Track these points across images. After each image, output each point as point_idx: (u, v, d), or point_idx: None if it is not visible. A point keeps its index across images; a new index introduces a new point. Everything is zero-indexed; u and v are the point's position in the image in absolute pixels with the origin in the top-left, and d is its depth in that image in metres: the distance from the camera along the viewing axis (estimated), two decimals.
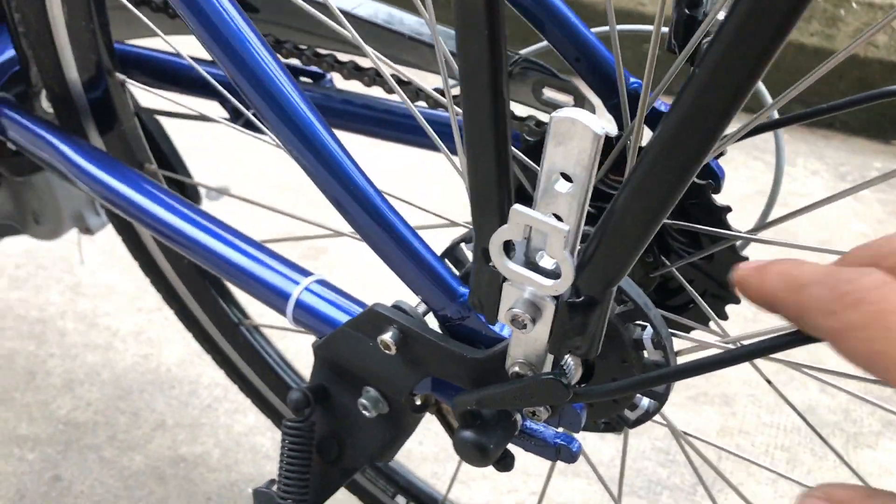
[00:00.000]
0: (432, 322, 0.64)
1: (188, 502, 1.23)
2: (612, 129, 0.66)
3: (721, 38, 0.36)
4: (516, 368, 0.55)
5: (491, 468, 0.64)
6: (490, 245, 0.47)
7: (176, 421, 1.35)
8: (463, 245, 0.68)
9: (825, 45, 2.36)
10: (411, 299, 0.63)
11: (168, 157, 1.10)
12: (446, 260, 0.67)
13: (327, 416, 0.73)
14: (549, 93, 0.80)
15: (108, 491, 1.24)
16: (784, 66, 2.35)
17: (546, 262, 0.48)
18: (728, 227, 0.67)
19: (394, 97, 0.85)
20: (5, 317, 1.51)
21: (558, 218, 0.45)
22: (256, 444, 1.32)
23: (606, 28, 0.65)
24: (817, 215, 1.86)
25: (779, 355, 0.68)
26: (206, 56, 0.71)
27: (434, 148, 0.71)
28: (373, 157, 1.38)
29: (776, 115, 0.73)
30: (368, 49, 0.65)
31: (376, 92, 0.91)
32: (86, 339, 1.48)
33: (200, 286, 1.05)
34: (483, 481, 1.29)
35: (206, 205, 1.08)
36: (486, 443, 0.60)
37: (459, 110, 0.45)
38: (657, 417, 0.76)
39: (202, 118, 0.91)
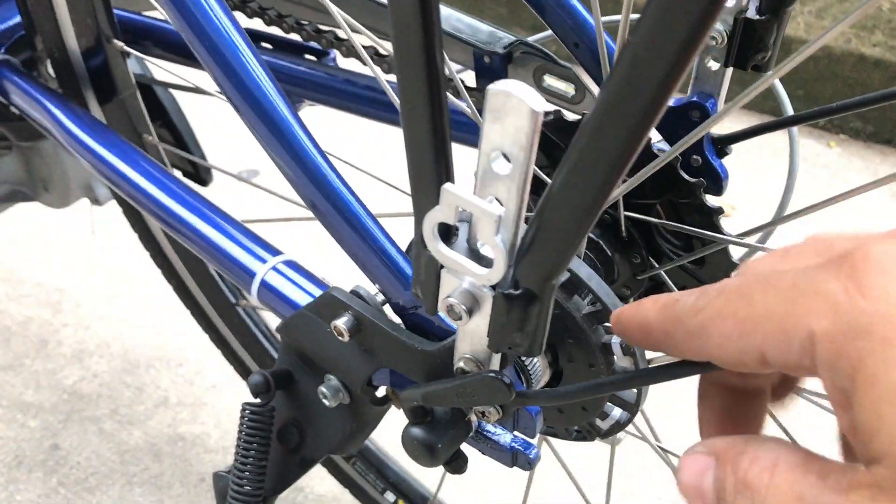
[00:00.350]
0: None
1: (182, 481, 1.22)
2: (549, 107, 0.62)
3: (655, 3, 0.31)
4: (461, 364, 0.51)
5: (489, 470, 0.60)
6: (423, 227, 0.43)
7: (179, 399, 1.35)
8: None
9: (888, 58, 2.25)
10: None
11: (181, 134, 1.09)
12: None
13: (290, 402, 0.70)
14: (550, 80, 0.76)
15: (103, 464, 1.24)
16: (842, 75, 2.26)
17: (487, 251, 0.44)
18: (720, 230, 0.62)
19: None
20: (24, 283, 1.53)
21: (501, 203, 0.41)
22: None
23: (618, 17, 0.60)
24: (823, 218, 1.77)
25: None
26: None
27: None
28: (379, 139, 1.35)
29: (791, 113, 0.68)
30: (355, 25, 0.62)
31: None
32: (101, 311, 1.49)
33: (199, 263, 1.03)
34: (474, 482, 1.25)
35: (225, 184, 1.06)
36: (434, 442, 0.56)
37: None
38: (634, 430, 0.71)
39: (197, 90, 0.89)
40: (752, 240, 0.62)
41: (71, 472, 1.22)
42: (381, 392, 0.66)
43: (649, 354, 0.58)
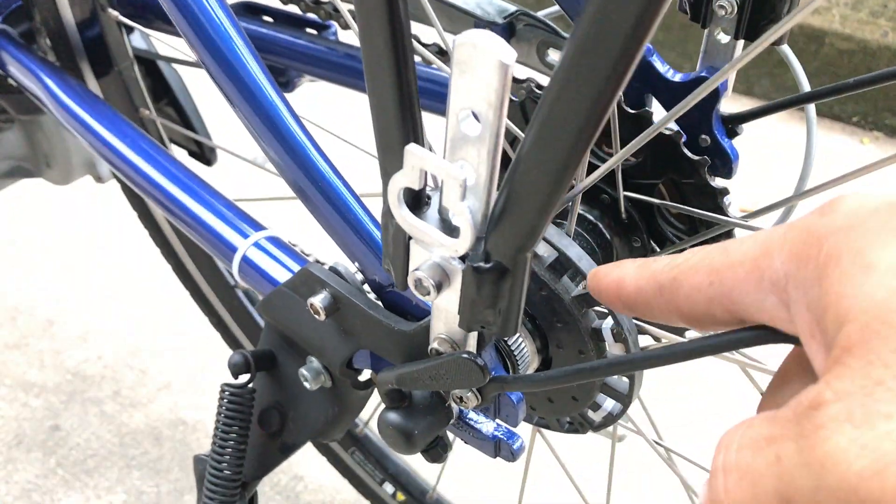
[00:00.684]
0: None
1: (181, 465, 1.20)
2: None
3: None
4: (436, 345, 0.48)
5: (489, 461, 0.57)
6: (388, 192, 0.40)
7: (182, 383, 1.33)
8: None
9: None
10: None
11: (186, 112, 1.07)
12: None
13: (272, 384, 0.67)
14: (554, 55, 0.72)
15: (103, 446, 1.22)
16: (877, 70, 2.18)
17: (457, 220, 0.41)
18: (724, 212, 0.58)
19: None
20: (33, 261, 1.52)
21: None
22: None
23: None
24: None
25: (738, 353, 0.60)
26: None
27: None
28: None
29: (808, 89, 0.64)
30: None
31: None
32: (110, 292, 1.47)
33: (197, 244, 1.01)
34: (475, 474, 1.22)
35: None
36: (411, 428, 0.53)
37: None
38: (630, 424, 0.68)
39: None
40: (759, 222, 0.58)
41: (70, 453, 1.21)
42: (364, 376, 0.63)
43: (643, 343, 0.55)
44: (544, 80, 0.73)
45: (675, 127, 0.62)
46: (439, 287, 0.42)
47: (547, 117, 0.34)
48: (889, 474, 0.22)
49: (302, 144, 0.54)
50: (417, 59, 0.80)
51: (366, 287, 0.56)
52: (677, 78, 0.63)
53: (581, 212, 0.63)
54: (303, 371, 0.63)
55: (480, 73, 0.35)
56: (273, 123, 0.54)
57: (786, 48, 0.62)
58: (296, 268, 0.63)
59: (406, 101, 0.39)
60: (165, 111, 1.06)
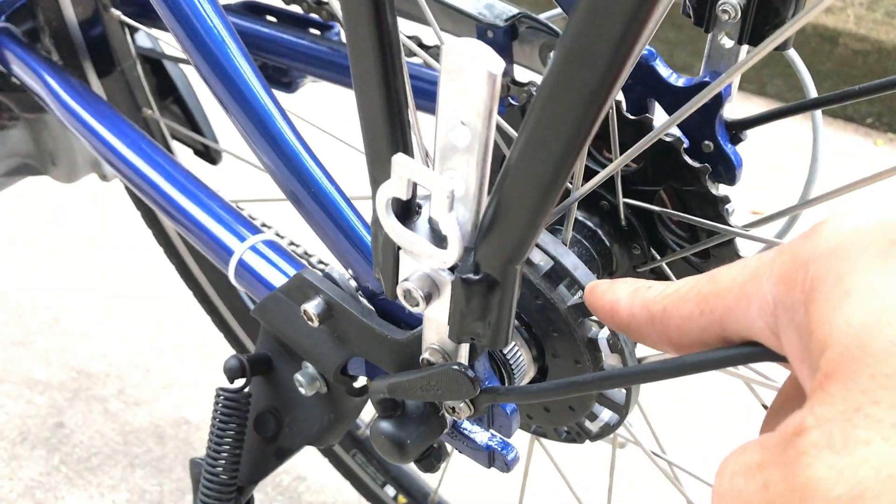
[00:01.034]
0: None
1: (184, 465, 1.20)
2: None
3: None
4: (427, 355, 0.47)
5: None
6: (376, 201, 0.39)
7: (187, 382, 1.33)
8: None
9: None
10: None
11: (191, 112, 1.06)
12: None
13: (269, 389, 0.67)
14: None
15: (106, 444, 1.22)
16: (893, 71, 2.16)
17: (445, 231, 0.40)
18: (725, 220, 0.57)
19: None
20: (39, 259, 1.52)
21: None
22: None
23: None
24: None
25: (743, 369, 0.59)
26: None
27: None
28: None
29: (814, 95, 0.63)
30: None
31: None
32: (116, 291, 1.47)
33: None
34: (477, 478, 1.21)
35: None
36: (403, 437, 0.52)
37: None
38: (626, 434, 0.67)
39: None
40: (761, 231, 0.56)
41: (74, 450, 1.21)
42: (360, 383, 0.62)
43: (639, 353, 0.54)
44: None
45: (678, 133, 0.61)
46: (429, 298, 0.41)
47: (535, 127, 0.33)
48: (866, 500, 0.23)
49: (294, 150, 0.53)
50: (419, 61, 0.80)
51: (360, 294, 0.56)
52: (680, 82, 0.62)
53: (581, 218, 0.62)
54: (298, 377, 0.63)
55: (468, 82, 0.35)
56: (266, 129, 0.54)
57: (792, 52, 0.60)
58: (292, 272, 0.63)
59: (394, 111, 0.38)
60: (171, 110, 1.06)
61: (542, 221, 0.36)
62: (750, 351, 0.35)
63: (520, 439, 0.66)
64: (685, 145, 0.59)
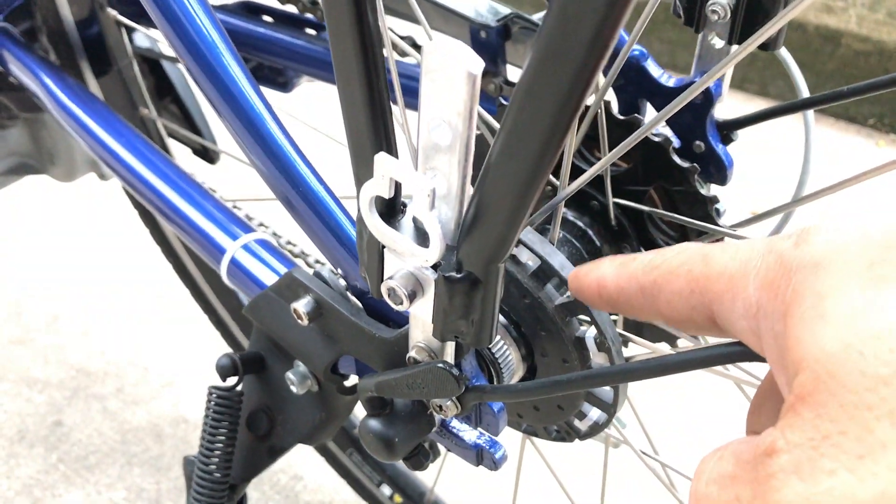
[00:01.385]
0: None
1: (181, 463, 1.21)
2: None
3: None
4: (413, 353, 0.47)
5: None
6: (360, 199, 0.40)
7: (185, 381, 1.33)
8: None
9: None
10: None
11: (189, 112, 1.07)
12: None
13: (261, 388, 0.67)
14: None
15: (104, 442, 1.23)
16: (894, 71, 2.15)
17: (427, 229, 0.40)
18: (714, 220, 0.58)
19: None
20: (38, 258, 1.52)
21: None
22: None
23: None
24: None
25: (733, 368, 0.59)
26: None
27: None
28: None
29: (806, 95, 0.63)
30: None
31: None
32: (115, 289, 1.48)
33: None
34: (473, 477, 1.21)
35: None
36: (391, 436, 0.52)
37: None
38: (616, 434, 0.67)
39: None
40: (750, 231, 0.57)
41: (72, 448, 1.21)
42: (351, 381, 0.62)
43: (626, 353, 0.54)
44: None
45: (669, 133, 0.61)
46: (413, 296, 0.41)
47: (513, 125, 0.33)
48: None
49: (283, 150, 0.54)
50: (412, 60, 0.80)
51: (349, 293, 0.56)
52: (671, 83, 0.62)
53: (571, 218, 0.62)
54: (289, 375, 0.63)
55: (448, 82, 0.35)
56: (255, 129, 0.54)
57: (784, 52, 0.61)
58: (283, 271, 0.63)
59: (377, 110, 0.39)
60: (169, 110, 1.06)
61: (523, 220, 0.36)
62: (731, 351, 0.36)
63: (512, 438, 0.66)
64: (675, 145, 0.59)
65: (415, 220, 0.41)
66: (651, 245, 0.63)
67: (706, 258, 0.32)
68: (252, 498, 1.14)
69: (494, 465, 0.55)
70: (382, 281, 0.43)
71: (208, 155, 1.11)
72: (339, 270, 0.55)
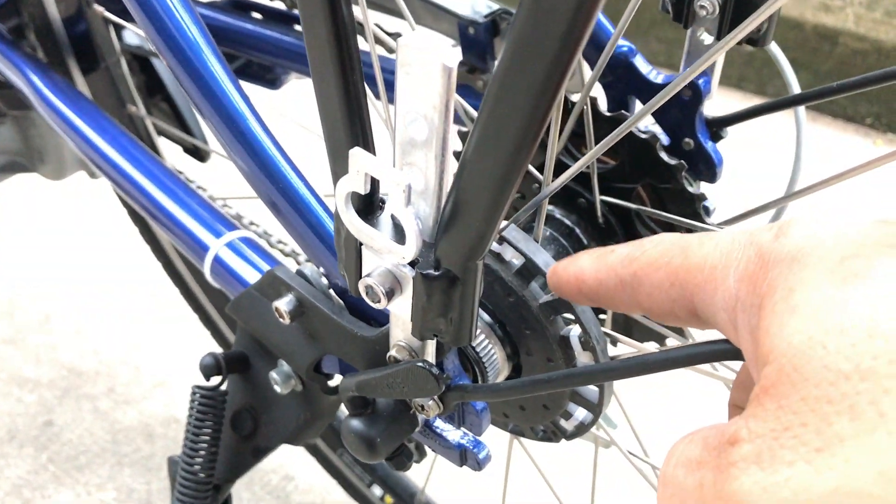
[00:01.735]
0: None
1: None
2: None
3: None
4: (394, 352, 0.47)
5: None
6: (336, 195, 0.39)
7: (178, 381, 1.32)
8: None
9: None
10: None
11: (179, 110, 1.06)
12: None
13: (245, 387, 0.67)
14: None
15: (95, 442, 1.22)
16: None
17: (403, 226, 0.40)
18: (701, 218, 0.57)
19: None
20: (31, 257, 1.52)
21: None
22: None
23: None
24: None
25: (723, 367, 0.58)
26: None
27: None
28: None
29: (797, 91, 0.62)
30: None
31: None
32: (107, 288, 1.47)
33: None
34: (463, 477, 1.21)
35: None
36: (373, 435, 0.52)
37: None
38: (602, 434, 0.66)
39: None
40: (736, 228, 0.56)
41: (62, 448, 1.21)
42: (335, 381, 0.62)
43: (611, 352, 0.53)
44: None
45: (658, 129, 0.61)
46: (391, 294, 0.41)
47: (487, 120, 0.33)
48: None
49: (264, 147, 0.53)
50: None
51: (332, 291, 0.55)
52: (660, 79, 0.62)
53: (558, 216, 0.61)
54: (273, 374, 0.62)
55: (424, 76, 0.34)
56: (236, 127, 0.53)
57: (774, 48, 0.60)
58: (267, 269, 0.62)
59: (353, 105, 0.38)
60: (159, 108, 1.05)
61: (501, 216, 0.36)
62: (715, 349, 0.35)
63: (500, 438, 0.65)
64: (663, 142, 0.59)
65: (393, 216, 0.41)
66: None
67: (685, 250, 0.32)
68: (243, 498, 1.13)
69: (478, 465, 0.54)
70: (360, 278, 0.42)
71: (199, 153, 1.10)
72: (322, 268, 0.55)
